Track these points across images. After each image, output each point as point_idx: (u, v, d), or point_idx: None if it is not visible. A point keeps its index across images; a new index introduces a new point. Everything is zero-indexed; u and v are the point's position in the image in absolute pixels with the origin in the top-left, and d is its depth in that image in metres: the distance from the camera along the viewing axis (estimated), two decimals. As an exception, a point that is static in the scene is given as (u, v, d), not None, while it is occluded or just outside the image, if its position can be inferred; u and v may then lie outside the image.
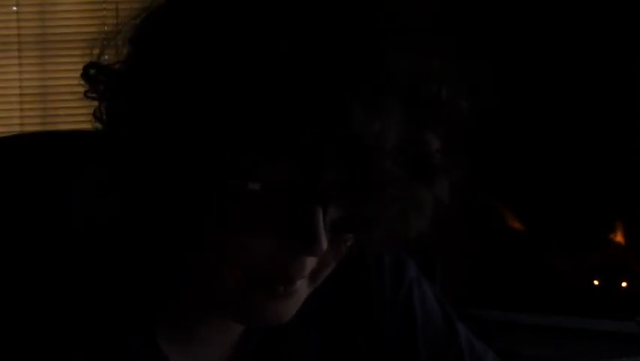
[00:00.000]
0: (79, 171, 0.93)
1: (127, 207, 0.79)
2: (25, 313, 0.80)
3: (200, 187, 0.73)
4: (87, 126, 0.82)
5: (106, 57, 0.80)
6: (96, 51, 0.79)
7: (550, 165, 2.70)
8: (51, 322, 0.80)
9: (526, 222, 2.78)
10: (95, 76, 0.79)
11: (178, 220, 0.76)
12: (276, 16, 0.72)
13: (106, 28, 0.80)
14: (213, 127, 0.71)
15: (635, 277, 2.70)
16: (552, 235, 2.75)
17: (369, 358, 0.92)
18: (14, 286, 0.82)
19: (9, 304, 0.81)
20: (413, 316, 0.94)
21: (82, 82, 0.81)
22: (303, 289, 0.79)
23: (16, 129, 2.96)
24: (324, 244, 0.74)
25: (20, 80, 2.99)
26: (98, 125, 0.79)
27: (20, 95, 2.99)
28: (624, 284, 2.70)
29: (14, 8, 3.00)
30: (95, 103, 0.80)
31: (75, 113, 2.75)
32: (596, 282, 2.71)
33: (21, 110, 3.00)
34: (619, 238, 2.72)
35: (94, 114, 0.79)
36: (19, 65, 2.99)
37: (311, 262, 0.77)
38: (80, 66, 0.81)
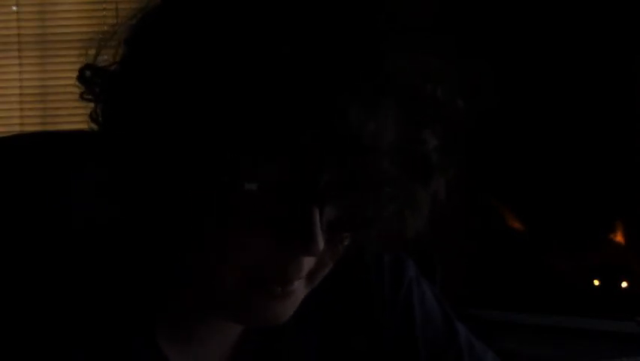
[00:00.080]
0: (79, 171, 0.93)
1: (127, 207, 0.79)
2: (25, 313, 0.80)
3: (199, 187, 0.73)
4: (87, 126, 0.81)
5: (105, 57, 0.79)
6: (92, 52, 0.79)
7: (550, 165, 2.70)
8: (51, 322, 0.80)
9: (526, 222, 2.78)
10: (90, 78, 0.79)
11: (178, 220, 0.76)
12: (275, 16, 0.72)
13: (106, 28, 0.79)
14: (210, 127, 0.71)
15: (635, 277, 2.70)
16: (552, 235, 2.75)
17: (369, 358, 0.92)
18: (14, 287, 0.82)
19: (9, 305, 0.81)
20: (413, 315, 0.94)
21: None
22: (300, 289, 0.79)
23: (16, 129, 2.96)
24: (321, 243, 0.74)
25: (20, 80, 3.00)
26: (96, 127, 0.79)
27: (20, 95, 2.99)
28: (624, 284, 2.70)
29: (14, 8, 3.00)
30: (95, 103, 0.80)
31: (75, 113, 2.75)
32: (596, 282, 2.71)
33: (21, 110, 3.00)
34: (619, 238, 2.71)
35: (90, 116, 0.79)
36: (19, 65, 2.99)
37: (308, 262, 0.77)
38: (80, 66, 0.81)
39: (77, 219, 0.87)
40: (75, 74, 0.80)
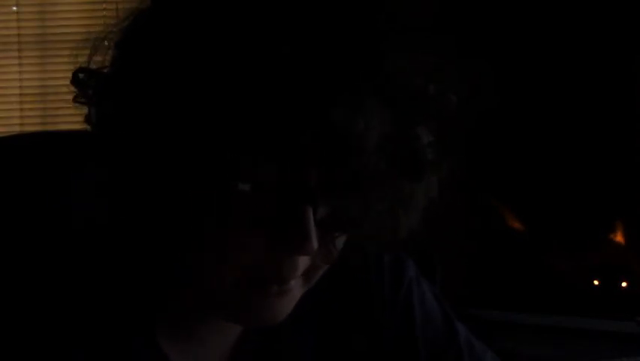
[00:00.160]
0: (79, 171, 0.93)
1: (127, 207, 0.79)
2: (25, 313, 0.80)
3: (197, 188, 0.73)
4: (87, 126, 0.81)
5: (99, 59, 0.79)
6: (86, 52, 0.79)
7: (550, 165, 2.70)
8: (51, 322, 0.80)
9: (526, 222, 2.78)
10: (84, 80, 0.79)
11: (178, 220, 0.76)
12: (274, 15, 0.72)
13: (101, 29, 0.79)
14: (203, 128, 0.71)
15: (635, 277, 2.70)
16: (552, 235, 2.75)
17: (369, 358, 0.92)
18: (14, 287, 0.82)
19: (9, 304, 0.81)
20: (412, 315, 0.94)
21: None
22: (297, 288, 0.79)
23: (16, 129, 2.96)
24: (315, 242, 0.74)
25: (20, 80, 3.00)
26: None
27: (20, 95, 2.99)
28: (624, 284, 2.70)
29: (14, 8, 3.00)
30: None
31: (75, 113, 2.75)
32: (596, 282, 2.71)
33: (21, 110, 3.00)
34: (619, 238, 2.71)
35: (86, 119, 0.79)
36: (19, 65, 2.99)
37: (303, 261, 0.77)
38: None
39: (77, 219, 0.87)
40: (75, 75, 0.80)
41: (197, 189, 0.73)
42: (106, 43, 0.78)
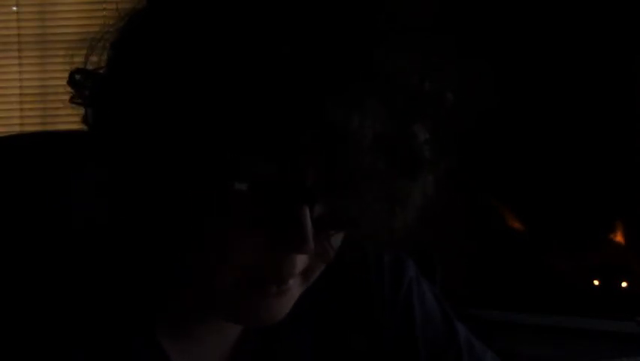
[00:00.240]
0: (79, 171, 0.93)
1: (126, 207, 0.79)
2: (25, 313, 0.80)
3: (196, 188, 0.73)
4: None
5: (102, 59, 0.79)
6: (83, 53, 0.79)
7: (550, 165, 2.70)
8: (51, 322, 0.80)
9: (526, 222, 2.78)
10: (80, 81, 0.79)
11: (178, 220, 0.76)
12: (273, 14, 0.72)
13: (99, 29, 0.79)
14: (200, 128, 0.71)
15: (635, 277, 2.70)
16: (552, 235, 2.75)
17: (369, 358, 0.92)
18: (14, 286, 0.82)
19: (9, 304, 0.81)
20: (412, 315, 0.94)
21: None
22: (295, 288, 0.79)
23: (16, 129, 2.96)
24: (312, 241, 0.74)
25: (20, 80, 3.00)
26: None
27: (20, 95, 3.00)
28: (624, 284, 2.70)
29: (14, 8, 3.00)
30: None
31: (75, 114, 2.75)
32: (596, 282, 2.71)
33: (21, 110, 3.00)
34: (619, 238, 2.72)
35: (83, 120, 0.79)
36: (19, 65, 2.99)
37: (301, 260, 0.77)
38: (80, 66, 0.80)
39: (77, 219, 0.88)
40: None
41: (196, 189, 0.73)
42: (102, 43, 0.78)
